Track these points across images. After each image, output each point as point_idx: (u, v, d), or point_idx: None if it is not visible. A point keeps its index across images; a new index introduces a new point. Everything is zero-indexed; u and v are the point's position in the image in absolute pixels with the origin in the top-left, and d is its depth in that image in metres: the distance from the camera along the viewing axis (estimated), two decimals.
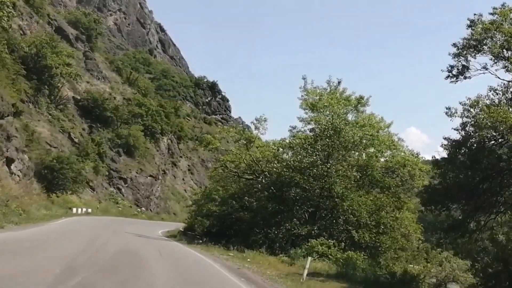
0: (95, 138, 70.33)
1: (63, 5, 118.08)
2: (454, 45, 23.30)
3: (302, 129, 37.26)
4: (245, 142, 35.68)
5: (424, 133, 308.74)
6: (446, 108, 22.68)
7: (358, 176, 34.16)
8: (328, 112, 34.72)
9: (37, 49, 66.12)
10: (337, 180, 31.94)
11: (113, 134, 74.06)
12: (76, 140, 68.04)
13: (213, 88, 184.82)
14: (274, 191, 34.02)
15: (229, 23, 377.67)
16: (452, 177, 22.82)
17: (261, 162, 35.28)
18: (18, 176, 38.90)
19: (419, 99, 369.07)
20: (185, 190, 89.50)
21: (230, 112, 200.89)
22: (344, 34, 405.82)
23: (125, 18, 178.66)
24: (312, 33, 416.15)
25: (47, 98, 67.72)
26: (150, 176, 76.47)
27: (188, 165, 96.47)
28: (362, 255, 28.58)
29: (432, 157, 25.18)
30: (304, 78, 37.95)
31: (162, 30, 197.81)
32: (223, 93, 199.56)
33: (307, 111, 37.02)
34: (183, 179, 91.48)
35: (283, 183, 33.00)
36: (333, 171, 32.33)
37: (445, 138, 22.88)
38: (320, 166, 32.20)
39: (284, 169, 33.08)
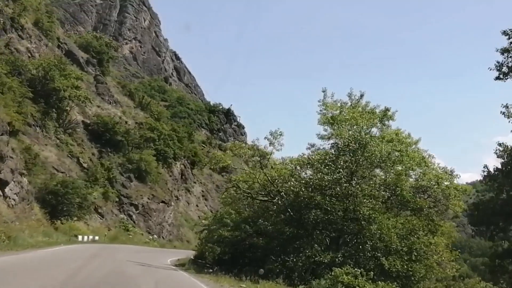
0: (105, 163, 66.96)
1: (78, 34, 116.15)
2: (505, 33, 19.33)
3: (322, 147, 33.49)
4: (259, 159, 31.60)
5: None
6: (503, 107, 18.63)
7: (386, 196, 29.93)
8: (350, 127, 30.86)
9: (44, 71, 63.29)
10: (364, 200, 27.78)
11: (124, 159, 70.64)
12: (85, 165, 64.69)
13: (228, 115, 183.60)
14: (292, 213, 29.97)
15: (243, 50, 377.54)
16: (508, 190, 18.71)
17: (276, 182, 31.26)
18: (14, 200, 35.29)
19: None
20: (198, 216, 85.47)
21: (245, 138, 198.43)
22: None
23: (140, 47, 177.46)
24: (331, 57, 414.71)
25: (55, 122, 64.65)
26: (162, 202, 72.72)
27: (202, 191, 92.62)
28: (394, 286, 24.49)
29: (484, 168, 21.02)
30: (323, 91, 34.20)
31: (177, 58, 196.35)
32: (238, 120, 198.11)
33: (326, 127, 33.27)
34: (197, 205, 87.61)
35: (301, 205, 28.88)
36: (358, 191, 28.23)
37: (499, 144, 18.80)
38: (344, 185, 28.04)
39: (303, 189, 28.88)
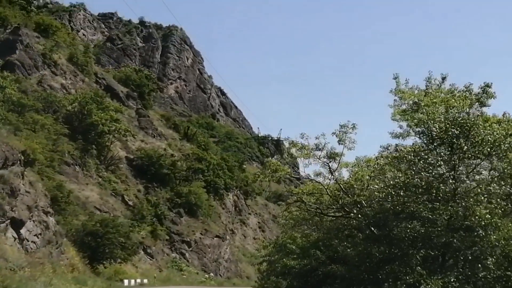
0: (152, 199, 60.45)
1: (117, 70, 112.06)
2: None
3: (400, 144, 25.71)
4: (327, 162, 23.87)
5: None
6: None
7: (507, 193, 21.52)
8: (443, 111, 23.01)
9: (80, 106, 57.81)
10: (479, 200, 19.63)
11: (172, 193, 63.95)
12: (130, 202, 58.27)
13: (278, 146, 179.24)
14: (375, 229, 22.06)
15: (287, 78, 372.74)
16: None
17: (352, 190, 23.54)
18: (34, 243, 28.63)
19: None
20: (257, 250, 77.69)
21: (298, 169, 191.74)
22: None
23: (185, 85, 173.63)
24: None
25: (95, 159, 58.83)
26: (217, 236, 65.40)
27: (258, 222, 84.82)
28: None
29: None
30: (395, 78, 26.59)
31: (223, 93, 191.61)
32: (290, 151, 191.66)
33: (402, 123, 25.56)
34: (254, 238, 79.80)
35: (389, 216, 20.99)
36: (469, 188, 20.19)
37: None
38: (450, 182, 19.94)
39: (392, 192, 20.88)
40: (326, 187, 24.77)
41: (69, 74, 65.52)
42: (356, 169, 24.74)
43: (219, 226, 68.46)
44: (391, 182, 20.46)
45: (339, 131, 23.33)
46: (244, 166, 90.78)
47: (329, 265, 24.42)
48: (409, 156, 20.27)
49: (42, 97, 56.07)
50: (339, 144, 23.46)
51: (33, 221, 29.35)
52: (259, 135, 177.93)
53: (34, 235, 29.19)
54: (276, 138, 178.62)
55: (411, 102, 25.54)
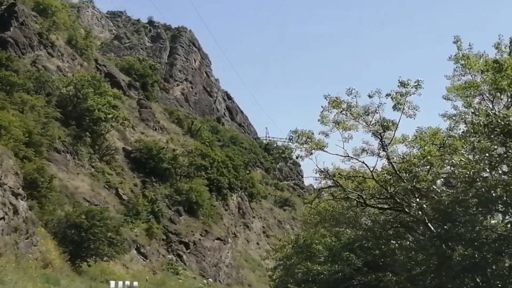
0: (149, 194, 53.82)
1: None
2: None
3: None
4: (380, 132, 17.16)
5: None
6: None
7: None
8: None
9: (76, 89, 51.53)
10: None
11: (171, 190, 57.32)
12: (124, 197, 51.69)
13: (283, 153, 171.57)
14: (444, 227, 15.48)
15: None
16: None
17: (410, 172, 16.96)
18: None
19: None
20: (260, 256, 70.86)
21: (302, 177, 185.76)
22: None
23: (192, 88, 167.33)
24: None
25: (89, 147, 52.41)
26: (218, 239, 58.62)
27: (263, 227, 77.95)
28: None
29: None
30: (456, 41, 20.24)
31: (229, 98, 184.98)
32: (294, 158, 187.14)
33: (456, 102, 19.24)
34: (257, 243, 72.98)
35: (470, 206, 14.41)
36: None
37: None
38: None
39: (472, 169, 13.85)
40: (372, 169, 18.15)
41: (66, 57, 59.25)
42: (418, 144, 18.03)
43: (221, 228, 61.76)
44: (486, 154, 13.69)
45: (396, 93, 16.81)
46: (248, 170, 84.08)
47: (368, 272, 17.87)
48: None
49: (34, 76, 49.88)
50: (395, 110, 16.90)
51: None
52: (267, 136, 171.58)
53: None
54: (281, 144, 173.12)
55: (480, 70, 19.13)
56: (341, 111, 17.63)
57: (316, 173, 18.81)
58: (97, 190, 48.41)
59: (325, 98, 17.14)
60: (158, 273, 48.29)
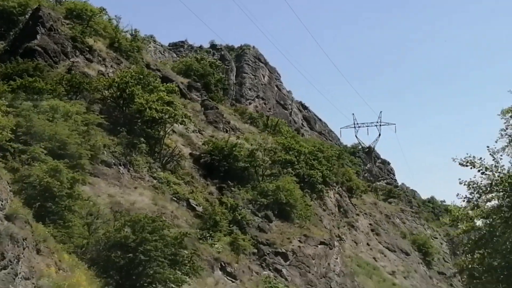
0: (227, 201, 41.58)
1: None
2: None
3: None
4: None
5: None
6: None
7: None
8: None
9: (119, 90, 40.69)
10: None
11: (254, 192, 44.78)
12: (198, 208, 39.70)
13: (369, 153, 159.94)
14: None
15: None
16: None
17: None
18: None
19: None
20: (374, 258, 56.46)
21: (394, 175, 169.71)
22: None
23: (265, 104, 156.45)
24: None
25: (146, 156, 41.07)
26: (322, 243, 45.16)
27: (370, 224, 63.36)
28: None
29: None
30: None
31: (305, 107, 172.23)
32: (381, 157, 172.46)
33: None
34: (367, 244, 58.58)
35: None
36: None
37: None
38: None
39: None
40: None
41: (109, 61, 48.82)
42: None
43: (322, 230, 48.27)
44: None
45: None
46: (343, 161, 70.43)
47: None
48: None
49: (66, 80, 39.34)
50: None
51: None
52: (355, 123, 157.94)
53: None
54: (367, 147, 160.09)
55: None
56: None
57: None
58: (162, 203, 36.68)
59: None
60: None
